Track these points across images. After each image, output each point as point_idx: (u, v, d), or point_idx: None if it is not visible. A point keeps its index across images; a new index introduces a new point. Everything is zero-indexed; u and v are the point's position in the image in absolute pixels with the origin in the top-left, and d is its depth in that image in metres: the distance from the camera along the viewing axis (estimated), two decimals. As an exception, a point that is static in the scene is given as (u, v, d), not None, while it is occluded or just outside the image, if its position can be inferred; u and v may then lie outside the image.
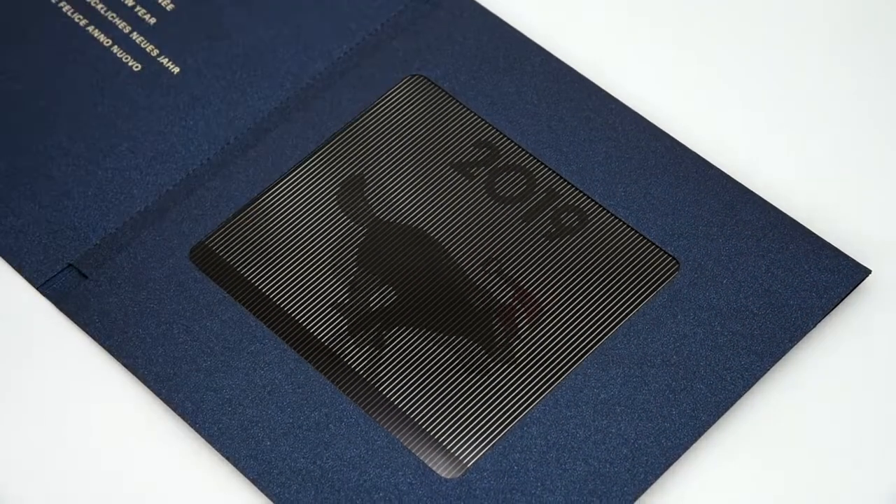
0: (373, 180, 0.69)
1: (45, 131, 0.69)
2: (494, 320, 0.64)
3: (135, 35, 0.71)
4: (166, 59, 0.70)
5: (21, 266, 0.66)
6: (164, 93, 0.70)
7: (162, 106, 0.70)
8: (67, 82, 0.71)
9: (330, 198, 0.68)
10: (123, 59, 0.70)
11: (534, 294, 0.65)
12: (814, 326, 0.64)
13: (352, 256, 0.67)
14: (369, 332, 0.65)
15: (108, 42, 0.71)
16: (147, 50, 0.70)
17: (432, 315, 0.65)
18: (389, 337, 0.64)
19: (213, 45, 0.72)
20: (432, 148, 0.69)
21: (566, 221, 0.67)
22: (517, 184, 0.68)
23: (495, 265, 0.66)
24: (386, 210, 0.68)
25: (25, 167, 0.68)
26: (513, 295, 0.65)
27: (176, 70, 0.70)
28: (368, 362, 0.64)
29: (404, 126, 0.70)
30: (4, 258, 0.66)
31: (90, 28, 0.72)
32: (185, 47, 0.71)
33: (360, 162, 0.69)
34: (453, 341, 0.64)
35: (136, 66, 0.70)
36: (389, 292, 0.65)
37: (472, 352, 0.64)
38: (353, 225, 0.67)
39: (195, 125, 0.70)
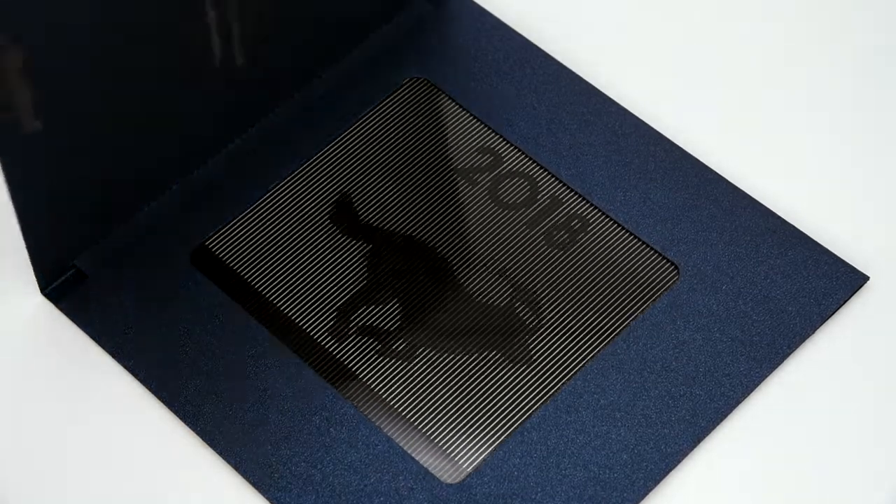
0: (374, 184, 0.69)
1: (80, 91, 0.62)
2: (496, 326, 0.64)
3: None
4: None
5: (30, 255, 0.65)
6: (211, 75, 0.67)
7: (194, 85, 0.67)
8: (112, 25, 0.62)
9: (330, 205, 0.68)
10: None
11: (536, 299, 0.65)
12: (813, 332, 0.64)
13: (354, 260, 0.67)
14: (371, 336, 0.65)
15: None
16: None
17: (433, 321, 0.65)
18: (391, 342, 0.64)
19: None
20: (435, 152, 0.69)
21: (568, 227, 0.67)
22: (520, 190, 0.68)
23: (497, 271, 0.66)
24: (388, 214, 0.68)
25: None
26: (514, 300, 0.65)
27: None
28: (369, 367, 0.64)
29: (406, 129, 0.70)
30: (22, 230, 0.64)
31: None
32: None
33: (361, 166, 0.69)
34: (454, 346, 0.64)
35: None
36: (391, 298, 0.66)
37: (473, 357, 0.64)
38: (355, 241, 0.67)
39: (204, 113, 0.68)
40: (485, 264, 0.66)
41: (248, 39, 0.69)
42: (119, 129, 0.67)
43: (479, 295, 0.65)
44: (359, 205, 0.68)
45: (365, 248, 0.67)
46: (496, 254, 0.66)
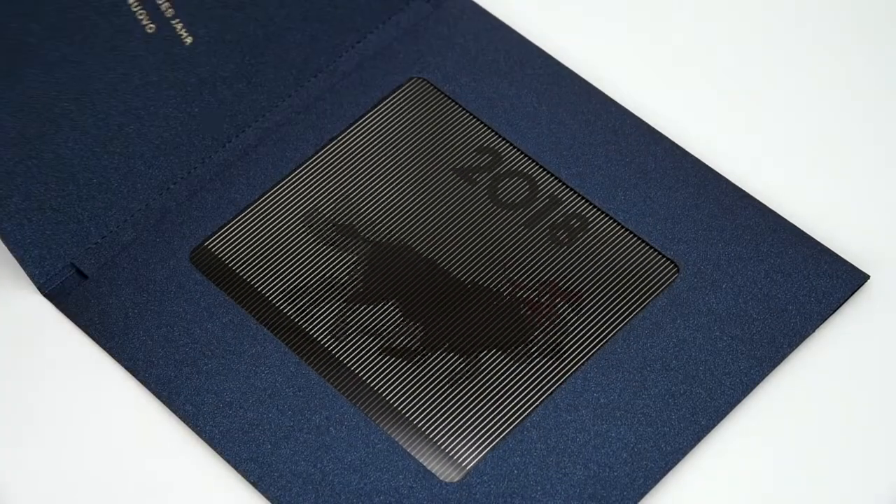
0: (373, 184, 0.69)
1: (55, 95, 0.66)
2: (495, 325, 0.64)
3: None
4: (180, 25, 0.67)
5: (23, 260, 0.66)
6: (174, 67, 0.68)
7: (171, 83, 0.68)
8: (83, 35, 0.66)
9: (329, 208, 0.68)
10: (139, 15, 0.67)
11: (535, 298, 0.65)
12: (813, 331, 0.64)
13: (353, 260, 0.67)
14: (371, 335, 0.65)
15: None
16: (163, 8, 0.67)
17: (433, 320, 0.65)
18: (391, 341, 0.64)
19: (226, 16, 0.69)
20: (434, 152, 0.69)
21: (568, 227, 0.67)
22: (519, 190, 0.68)
23: (497, 270, 0.66)
24: (388, 214, 0.68)
25: (35, 136, 0.66)
26: (513, 299, 0.65)
27: (189, 40, 0.68)
28: (370, 366, 0.64)
29: (406, 129, 0.70)
30: (8, 247, 0.65)
31: None
32: (200, 13, 0.69)
33: (361, 165, 0.69)
34: (454, 345, 0.64)
35: (151, 27, 0.67)
36: (390, 297, 0.66)
37: (472, 356, 0.64)
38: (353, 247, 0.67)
39: (200, 114, 0.69)
40: (484, 263, 0.66)
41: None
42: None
43: (478, 294, 0.65)
44: (359, 204, 0.68)
45: (364, 247, 0.67)
46: (495, 252, 0.66)
